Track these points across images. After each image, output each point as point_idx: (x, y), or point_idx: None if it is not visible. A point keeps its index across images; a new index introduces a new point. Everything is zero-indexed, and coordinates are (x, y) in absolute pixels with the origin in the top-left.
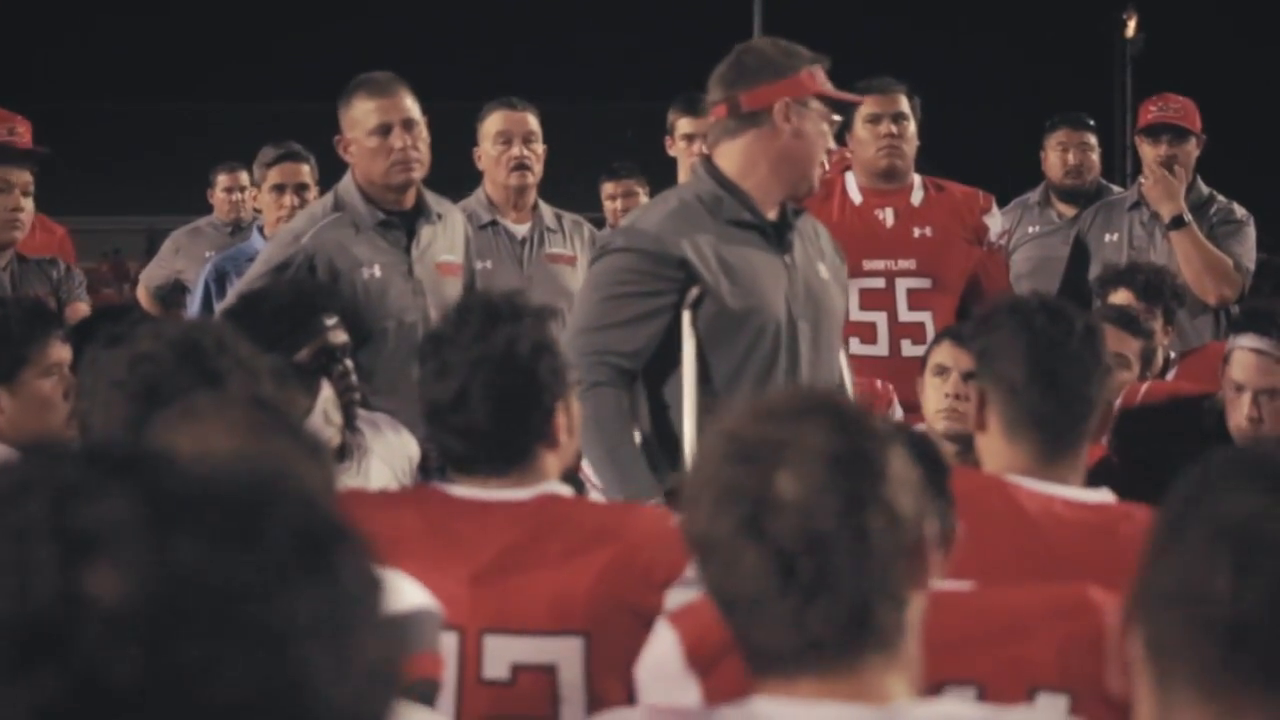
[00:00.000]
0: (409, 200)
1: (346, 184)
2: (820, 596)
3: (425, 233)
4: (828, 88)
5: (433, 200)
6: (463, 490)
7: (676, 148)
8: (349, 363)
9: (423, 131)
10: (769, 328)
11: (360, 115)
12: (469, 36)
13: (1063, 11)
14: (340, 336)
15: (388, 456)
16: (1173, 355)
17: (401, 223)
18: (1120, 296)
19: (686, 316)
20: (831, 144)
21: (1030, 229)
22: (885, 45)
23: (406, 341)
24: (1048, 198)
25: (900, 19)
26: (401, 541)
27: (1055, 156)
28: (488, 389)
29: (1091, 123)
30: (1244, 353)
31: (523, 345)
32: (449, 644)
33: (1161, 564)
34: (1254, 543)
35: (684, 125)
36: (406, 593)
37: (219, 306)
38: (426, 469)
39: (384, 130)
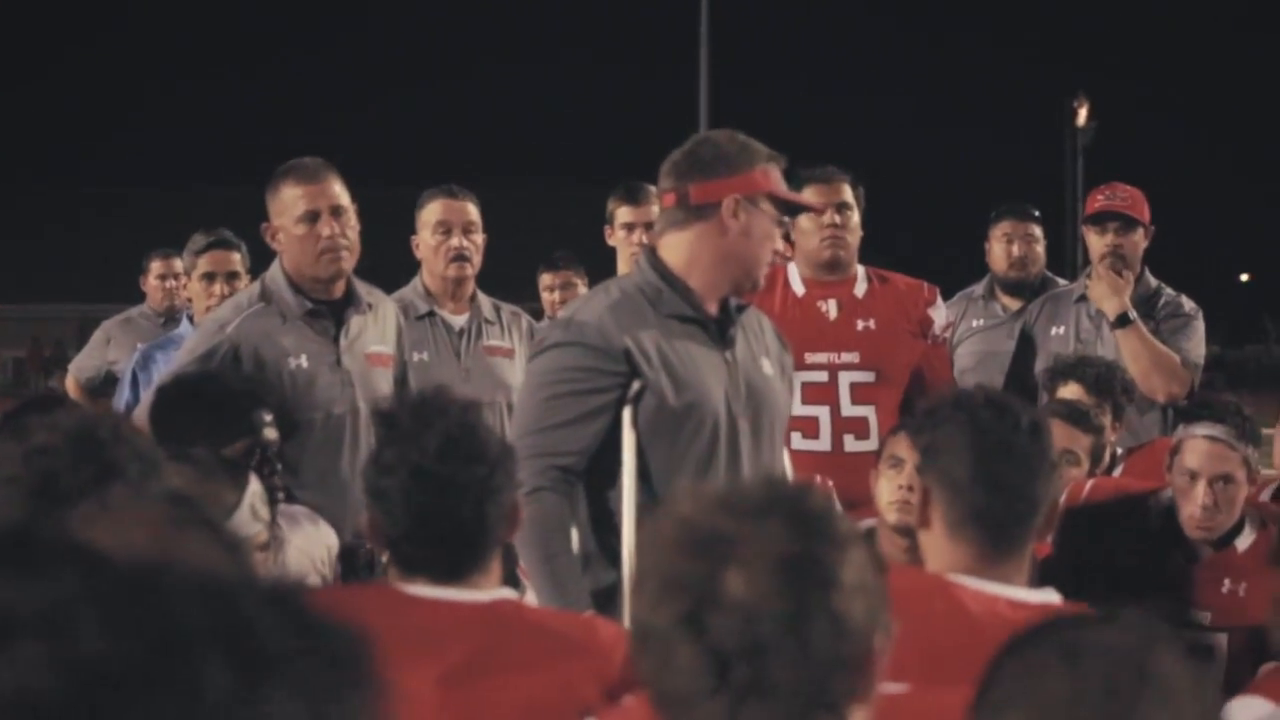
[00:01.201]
0: (338, 289)
1: (274, 272)
2: (753, 702)
3: (355, 323)
4: (780, 188)
5: (363, 289)
6: (420, 590)
7: (616, 237)
8: (275, 458)
9: (351, 219)
10: (707, 424)
11: (288, 202)
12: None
13: (1013, 100)
14: (272, 433)
15: (305, 547)
16: (1119, 451)
17: (330, 312)
18: (1070, 390)
19: (627, 412)
20: (779, 244)
21: (974, 322)
22: (832, 132)
23: (334, 433)
24: (992, 290)
25: (846, 106)
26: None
27: (999, 248)
28: (470, 485)
29: (1037, 213)
30: (1197, 440)
31: (491, 440)
32: None
33: None
34: None
35: (623, 214)
36: None
37: (145, 396)
38: (355, 565)
39: (311, 218)
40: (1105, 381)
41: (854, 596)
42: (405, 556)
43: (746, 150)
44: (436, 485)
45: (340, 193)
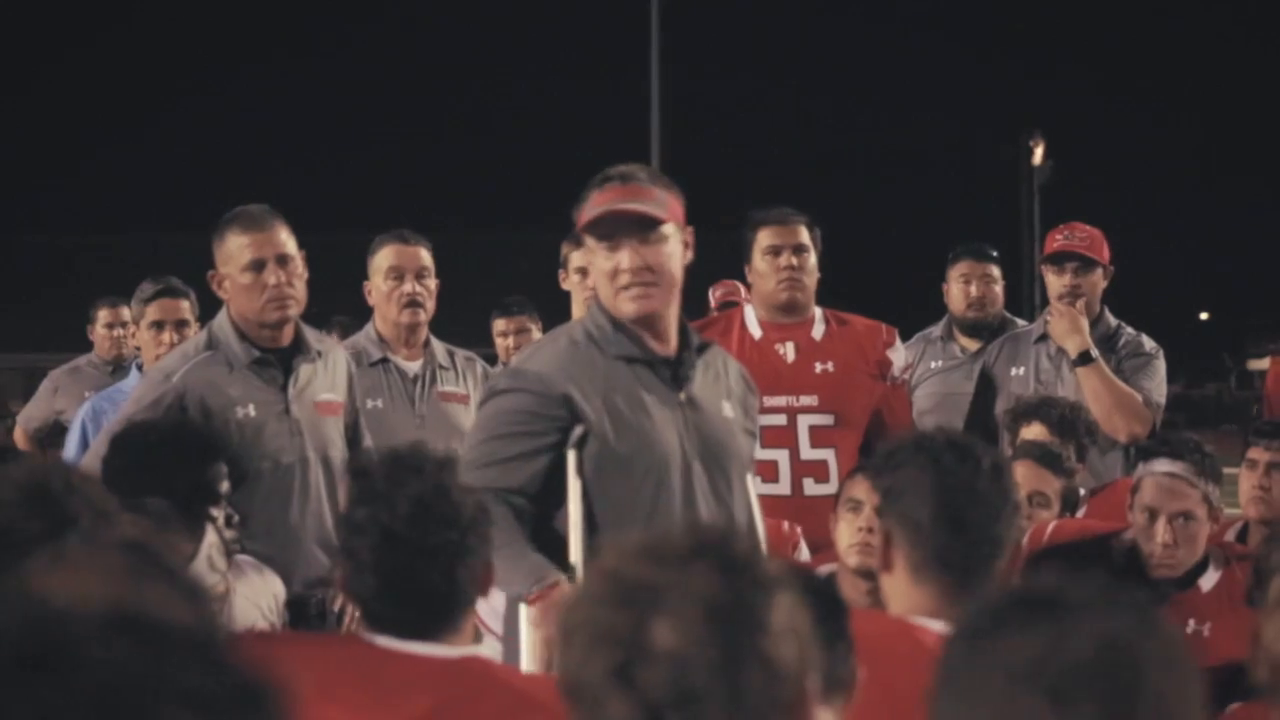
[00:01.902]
0: (285, 337)
1: (221, 321)
2: None
3: (303, 371)
4: (588, 217)
5: (313, 337)
6: (387, 642)
7: (570, 281)
8: (229, 508)
9: (298, 267)
10: (656, 469)
11: (233, 250)
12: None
13: (968, 139)
14: (222, 479)
15: (252, 596)
16: (1082, 492)
17: (278, 360)
18: (1033, 431)
19: (571, 457)
20: (628, 264)
21: (933, 364)
22: (787, 174)
23: (283, 483)
24: (950, 331)
25: (800, 146)
26: (327, 687)
27: (958, 289)
28: (441, 549)
29: (995, 254)
30: (1156, 477)
31: (466, 502)
32: None
33: None
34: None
35: (577, 258)
36: None
37: (94, 445)
38: (305, 614)
39: (258, 266)
40: (1069, 422)
41: (784, 640)
42: (374, 614)
43: (586, 188)
44: (407, 549)
45: (286, 240)
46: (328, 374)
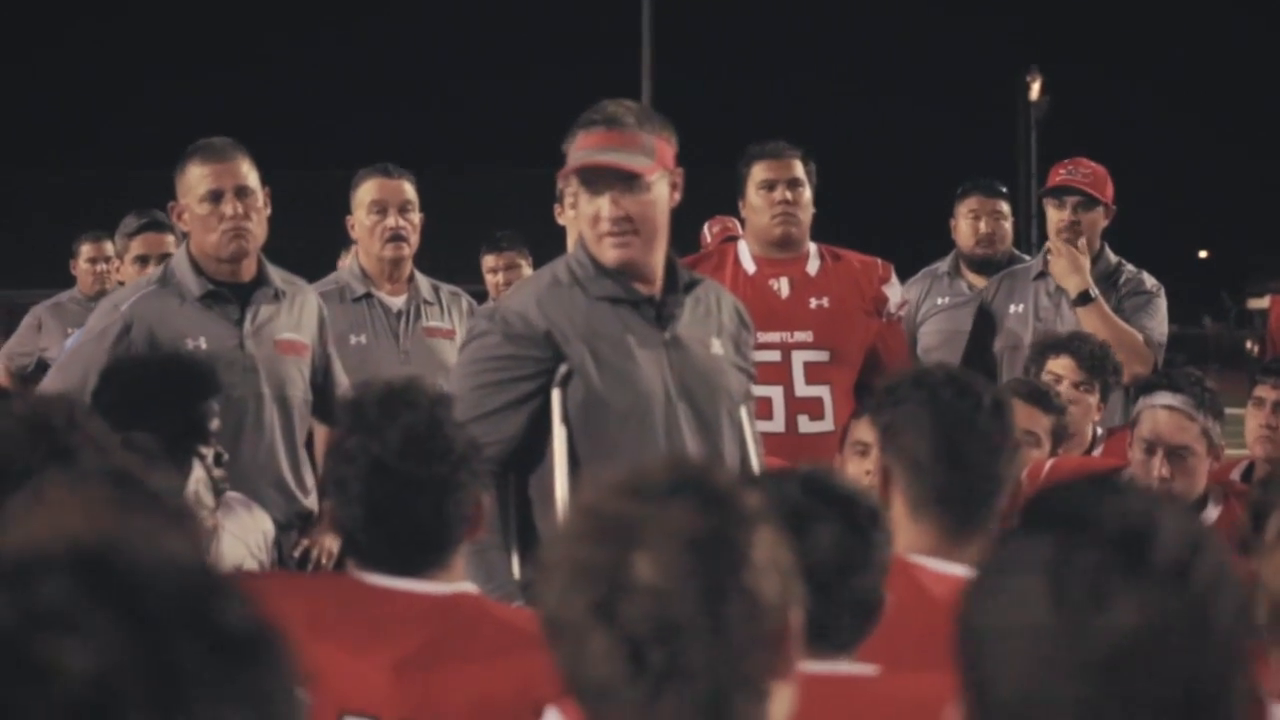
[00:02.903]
0: (245, 272)
1: (179, 254)
2: (672, 686)
3: (264, 309)
4: (572, 163)
5: (279, 277)
6: (376, 579)
7: (565, 216)
8: (217, 445)
9: (258, 201)
10: (639, 409)
11: (193, 181)
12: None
13: (965, 74)
14: (213, 416)
15: (241, 534)
16: (1100, 432)
17: (235, 295)
18: (1060, 364)
19: (556, 396)
20: (609, 213)
21: (939, 300)
22: (782, 108)
23: (234, 419)
24: (957, 267)
25: (797, 80)
26: (319, 624)
27: (966, 225)
28: (432, 483)
29: (1004, 190)
30: (1155, 410)
31: (458, 437)
32: None
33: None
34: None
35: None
36: None
37: (48, 379)
38: (280, 556)
39: (215, 197)
40: (1099, 359)
41: (766, 573)
42: (360, 548)
43: (575, 125)
44: (395, 481)
45: (247, 173)
46: (292, 313)
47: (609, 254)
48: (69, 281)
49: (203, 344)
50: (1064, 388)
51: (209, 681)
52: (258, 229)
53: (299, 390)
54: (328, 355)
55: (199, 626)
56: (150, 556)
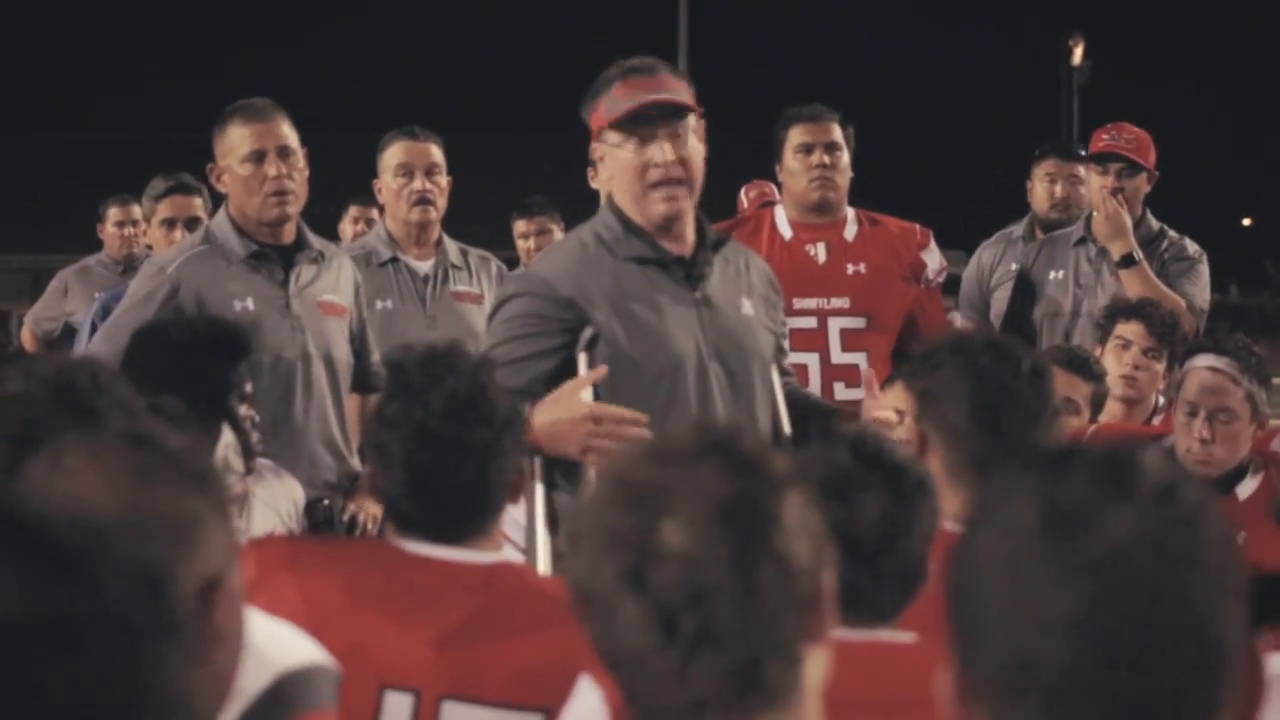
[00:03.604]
0: (286, 235)
1: (219, 216)
2: (704, 653)
3: (305, 270)
4: (615, 111)
5: (316, 240)
6: (418, 548)
7: (599, 179)
8: (252, 409)
9: (299, 161)
10: (670, 370)
11: (234, 142)
12: (374, 66)
13: (1006, 39)
14: (246, 379)
15: (271, 501)
16: (1161, 401)
17: (278, 257)
18: (1131, 329)
19: (582, 359)
20: (665, 157)
21: (1013, 265)
22: (820, 75)
23: (284, 379)
24: (1032, 232)
25: (835, 48)
26: (360, 594)
27: (1042, 188)
28: (475, 448)
29: (1083, 153)
30: (1198, 371)
31: (501, 402)
32: (403, 705)
33: (995, 653)
34: (1100, 637)
35: None
36: (297, 649)
37: (94, 344)
38: (314, 520)
39: (257, 157)
40: (1169, 327)
41: (796, 536)
42: (402, 514)
43: (597, 83)
44: (439, 445)
45: (289, 133)
46: (331, 275)
47: (658, 208)
48: (95, 245)
49: (250, 305)
50: (1133, 353)
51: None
52: (300, 190)
53: (343, 351)
54: (363, 320)
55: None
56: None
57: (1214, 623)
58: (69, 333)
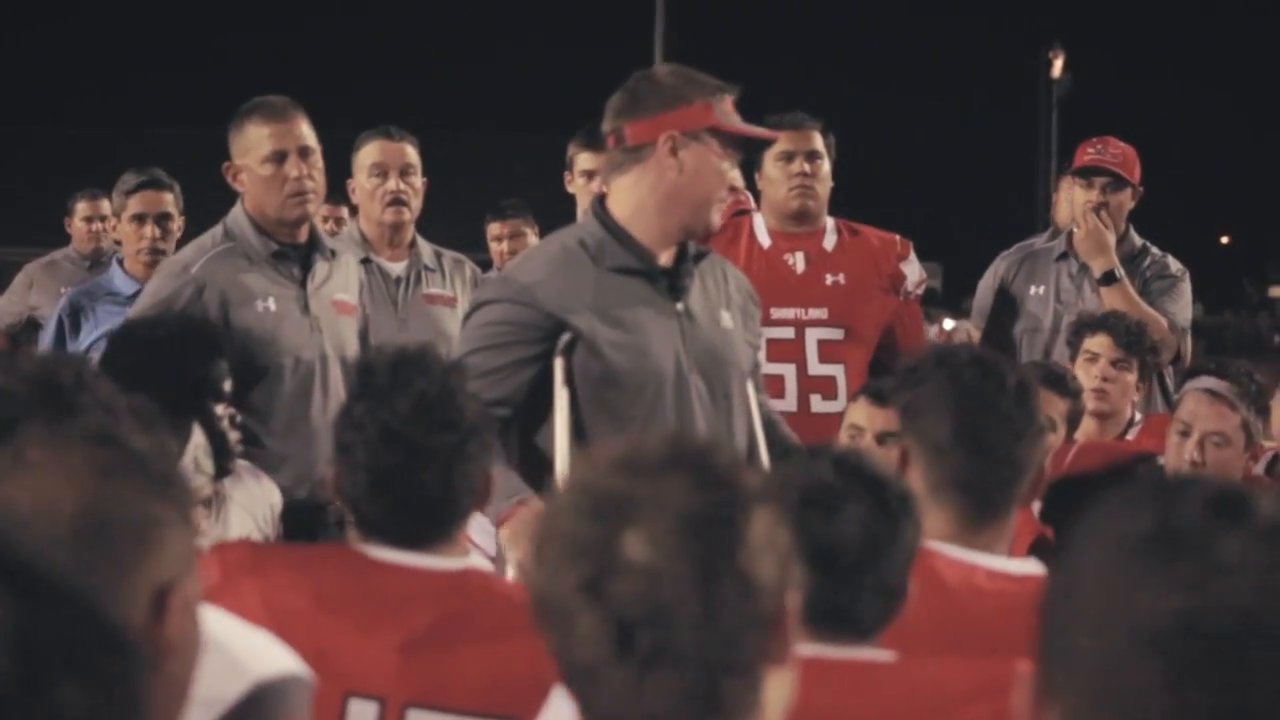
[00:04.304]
0: (302, 234)
1: (236, 214)
2: (658, 669)
3: (320, 268)
4: (727, 121)
5: (327, 238)
6: (383, 554)
7: (575, 184)
8: (231, 408)
9: (318, 160)
10: (651, 382)
11: (254, 141)
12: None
13: (985, 51)
14: (224, 378)
15: (249, 505)
16: (1138, 417)
17: (296, 256)
18: (1098, 342)
19: (559, 365)
20: (737, 179)
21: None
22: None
23: (304, 380)
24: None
25: (812, 56)
26: (324, 601)
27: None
28: (440, 452)
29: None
30: (1196, 393)
31: (469, 407)
32: (367, 713)
33: (1080, 655)
34: (1190, 654)
35: (583, 160)
36: (275, 658)
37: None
38: (325, 522)
39: (279, 158)
40: (1135, 336)
41: (762, 554)
42: (365, 518)
43: (688, 83)
44: (403, 449)
45: (308, 133)
46: (341, 274)
47: (715, 219)
48: (63, 240)
49: (272, 305)
50: (1101, 365)
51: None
52: (320, 189)
53: (354, 350)
54: (366, 318)
55: None
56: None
57: None
58: (33, 327)
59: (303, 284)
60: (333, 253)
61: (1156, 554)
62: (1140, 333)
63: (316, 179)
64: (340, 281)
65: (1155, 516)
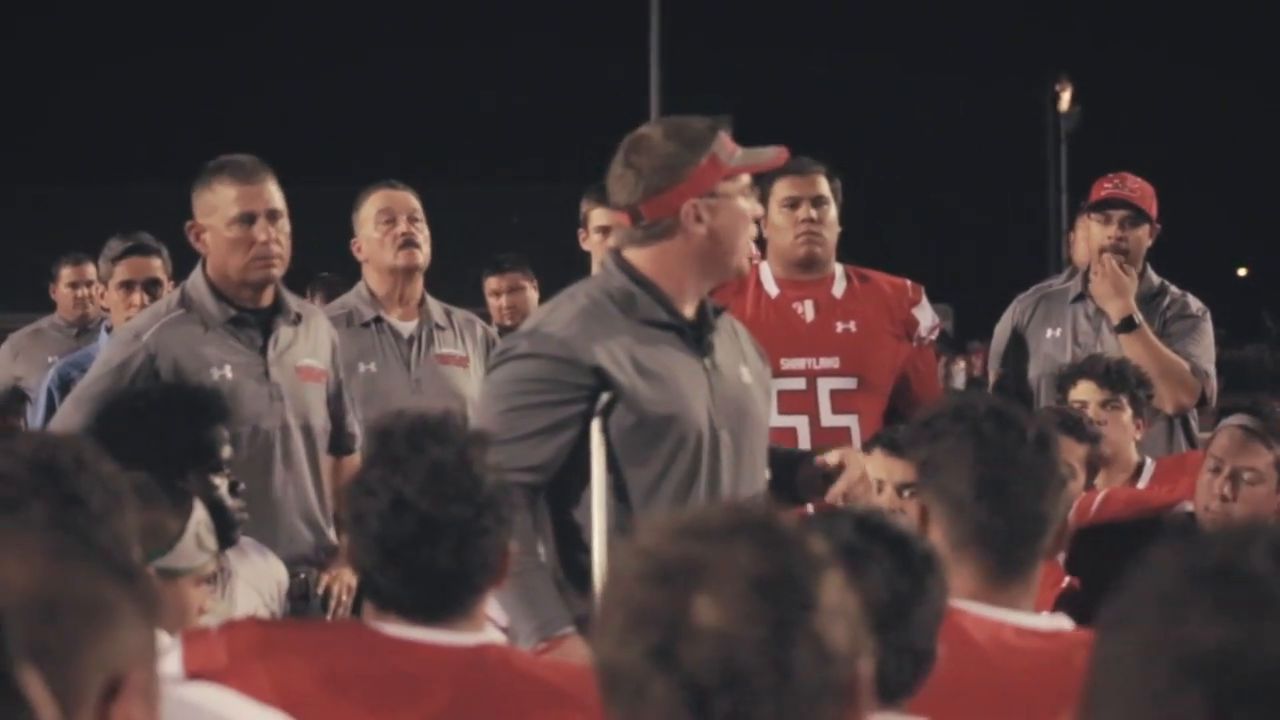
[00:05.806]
0: (266, 297)
1: (195, 278)
2: None
3: (284, 333)
4: (735, 163)
5: (293, 301)
6: (397, 630)
7: (590, 240)
8: (231, 475)
9: (286, 225)
10: (690, 437)
11: (220, 202)
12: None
13: (992, 84)
14: (221, 444)
15: (255, 581)
16: (1147, 461)
17: (256, 321)
18: (1082, 390)
19: (596, 425)
20: (757, 208)
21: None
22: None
23: (262, 450)
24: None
25: (816, 92)
26: (337, 682)
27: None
28: (453, 525)
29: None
30: (1230, 429)
31: (487, 479)
32: None
33: (1128, 682)
34: (1235, 685)
35: (598, 216)
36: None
37: (60, 415)
38: (292, 593)
39: (247, 220)
40: (1116, 374)
41: (835, 619)
42: (378, 590)
43: (688, 144)
44: (415, 519)
45: (276, 195)
46: (309, 338)
47: (745, 263)
48: (48, 305)
49: (228, 373)
50: (1091, 411)
51: None
52: (286, 254)
53: (321, 419)
54: (339, 382)
55: None
56: None
57: None
58: (19, 397)
59: (263, 350)
60: (298, 317)
61: (1214, 585)
62: (1120, 368)
63: (283, 243)
64: (306, 347)
65: (1222, 554)
